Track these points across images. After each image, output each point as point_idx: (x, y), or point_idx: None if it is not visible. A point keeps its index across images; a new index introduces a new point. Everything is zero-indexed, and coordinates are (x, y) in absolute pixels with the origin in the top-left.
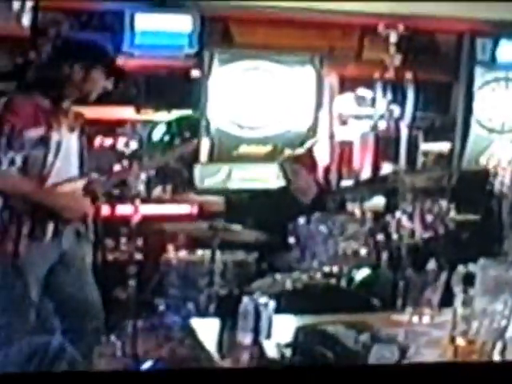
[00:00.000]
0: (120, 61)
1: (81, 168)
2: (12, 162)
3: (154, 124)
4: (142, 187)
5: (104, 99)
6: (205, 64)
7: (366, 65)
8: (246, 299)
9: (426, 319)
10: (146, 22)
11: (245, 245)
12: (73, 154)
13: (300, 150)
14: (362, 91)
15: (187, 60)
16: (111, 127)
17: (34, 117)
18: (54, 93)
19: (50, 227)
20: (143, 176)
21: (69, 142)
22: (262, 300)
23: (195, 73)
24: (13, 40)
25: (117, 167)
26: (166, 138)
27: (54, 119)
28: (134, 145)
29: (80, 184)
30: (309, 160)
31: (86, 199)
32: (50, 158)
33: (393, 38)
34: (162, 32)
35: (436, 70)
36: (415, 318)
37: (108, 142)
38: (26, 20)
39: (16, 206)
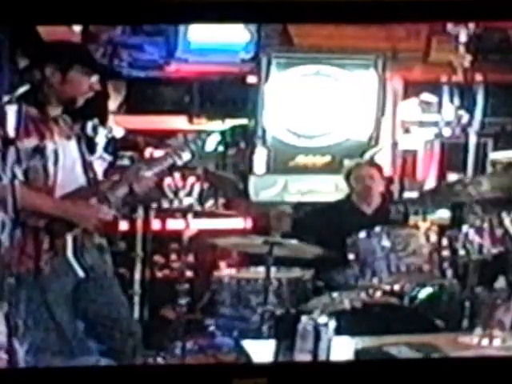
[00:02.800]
0: (173, 66)
1: (86, 176)
2: (13, 176)
3: (207, 134)
4: (193, 200)
5: (154, 108)
6: (262, 69)
7: (432, 67)
8: (304, 319)
9: (496, 342)
10: (201, 26)
11: (301, 261)
12: (75, 162)
13: (361, 161)
14: (428, 96)
15: (243, 65)
16: (162, 138)
17: (25, 126)
18: (39, 100)
19: (69, 240)
20: (196, 188)
21: (66, 150)
22: (322, 320)
23: (251, 79)
24: None
25: (168, 180)
26: (220, 148)
27: (45, 128)
28: (186, 156)
29: (91, 192)
30: (375, 169)
31: (101, 206)
32: (51, 167)
33: (462, 37)
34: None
35: (508, 71)
36: (485, 341)
37: (158, 153)
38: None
39: (29, 220)
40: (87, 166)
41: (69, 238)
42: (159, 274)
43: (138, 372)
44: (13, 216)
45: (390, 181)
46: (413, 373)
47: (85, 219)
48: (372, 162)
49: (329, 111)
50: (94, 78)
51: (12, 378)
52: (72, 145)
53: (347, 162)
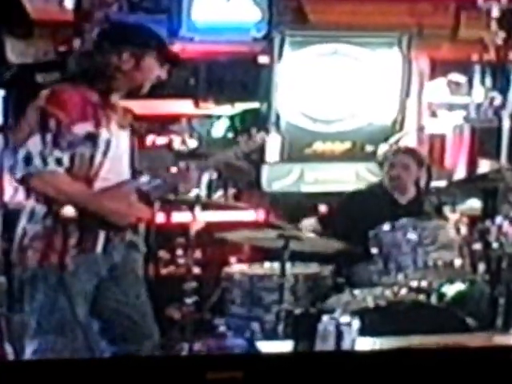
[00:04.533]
0: (177, 46)
1: (132, 169)
2: (58, 162)
3: (215, 119)
4: (200, 191)
5: (157, 92)
6: (274, 49)
7: (461, 45)
8: (325, 318)
9: None
10: (207, 3)
11: (319, 256)
12: (123, 153)
13: (384, 147)
14: (457, 76)
15: (254, 44)
16: (165, 124)
17: (82, 111)
18: (102, 85)
19: (101, 237)
20: (204, 178)
21: (119, 140)
22: (344, 319)
23: (263, 59)
24: (55, 25)
25: (173, 169)
26: (229, 135)
27: (103, 115)
28: (192, 143)
29: (133, 187)
30: (419, 154)
31: (140, 205)
32: (99, 157)
33: (494, 11)
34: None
35: None
36: None
37: (162, 140)
38: (68, 2)
39: (60, 211)
40: (134, 160)
41: (101, 235)
42: (164, 271)
43: (110, 363)
44: (45, 205)
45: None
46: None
47: (123, 216)
48: (407, 148)
49: (348, 94)
50: (166, 67)
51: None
52: (124, 135)
53: (369, 149)
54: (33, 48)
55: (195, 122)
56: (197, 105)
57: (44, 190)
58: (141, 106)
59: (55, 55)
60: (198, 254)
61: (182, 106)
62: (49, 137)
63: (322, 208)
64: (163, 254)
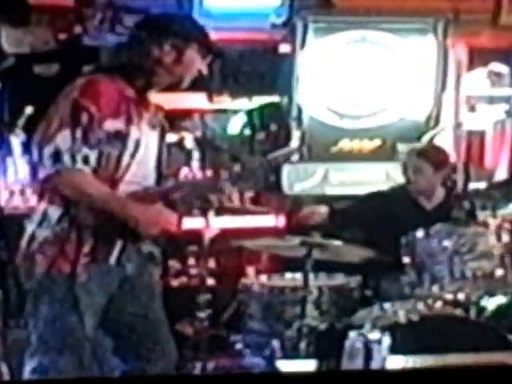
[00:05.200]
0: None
1: (158, 174)
2: (85, 161)
3: (230, 114)
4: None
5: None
6: (296, 36)
7: (503, 31)
8: (352, 335)
9: None
10: None
11: (346, 265)
12: (151, 156)
13: (418, 145)
14: (498, 66)
15: (274, 32)
16: (175, 120)
17: (115, 106)
18: (140, 79)
19: (117, 247)
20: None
21: (148, 141)
22: (373, 336)
23: (284, 48)
24: (54, 10)
25: (184, 170)
26: (247, 132)
27: (135, 112)
28: (206, 141)
29: (159, 194)
30: (437, 155)
31: (167, 213)
32: (126, 158)
33: None
34: None
35: None
36: None
37: (172, 138)
38: None
39: (79, 216)
40: (162, 163)
41: (117, 245)
42: (175, 282)
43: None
44: (60, 207)
45: (452, 169)
46: None
47: (145, 224)
48: (435, 148)
49: (378, 86)
50: (207, 60)
51: None
52: (153, 136)
53: (402, 148)
54: (30, 36)
55: (209, 117)
56: (210, 99)
57: (66, 190)
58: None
59: (55, 44)
60: (211, 263)
61: (194, 100)
62: (79, 132)
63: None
64: (174, 263)
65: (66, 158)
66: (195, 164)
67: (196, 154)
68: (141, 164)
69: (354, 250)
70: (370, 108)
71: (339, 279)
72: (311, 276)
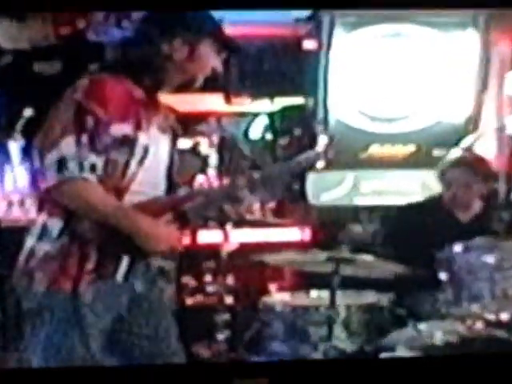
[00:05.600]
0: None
1: (169, 182)
2: (92, 169)
3: (250, 117)
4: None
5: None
6: (322, 31)
7: None
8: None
9: None
10: None
11: (376, 282)
12: (161, 163)
13: (457, 150)
14: None
15: (297, 26)
16: (190, 123)
17: (122, 109)
18: (149, 78)
19: (124, 262)
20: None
21: (158, 146)
22: None
23: (308, 44)
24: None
25: (200, 178)
26: (268, 137)
27: (144, 114)
28: (223, 147)
29: (169, 204)
30: (477, 163)
31: (176, 226)
32: (133, 166)
33: None
34: None
35: None
36: None
37: (186, 143)
38: None
39: (82, 229)
40: (173, 172)
41: (124, 260)
42: (190, 301)
43: (139, 371)
44: (61, 220)
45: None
46: None
47: (153, 240)
48: (475, 154)
49: (413, 86)
50: (222, 56)
51: None
52: (164, 141)
53: (439, 153)
54: (28, 30)
55: (226, 121)
56: (228, 100)
57: (70, 201)
58: None
59: (56, 39)
60: (230, 280)
61: (210, 102)
62: (85, 137)
63: (379, 224)
64: (189, 280)
65: (73, 166)
66: (211, 171)
67: (212, 161)
68: (149, 172)
69: (386, 266)
70: (404, 110)
71: (369, 297)
72: (339, 294)
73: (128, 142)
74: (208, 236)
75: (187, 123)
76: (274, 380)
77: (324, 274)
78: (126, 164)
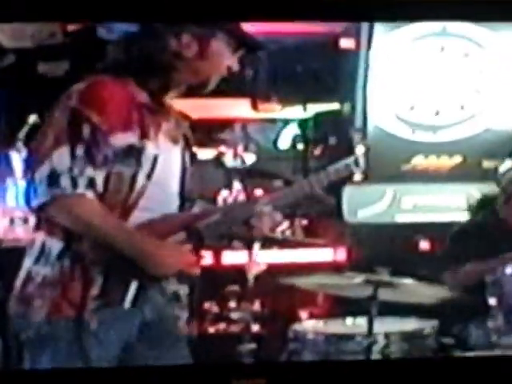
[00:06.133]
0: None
1: (181, 198)
2: (90, 184)
3: (279, 125)
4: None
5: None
6: (362, 29)
7: None
8: None
9: None
10: None
11: (419, 308)
12: (172, 176)
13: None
14: None
15: (334, 23)
16: (213, 131)
17: (125, 115)
18: (155, 80)
19: (133, 286)
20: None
21: (168, 158)
22: None
23: (346, 42)
24: None
25: (224, 193)
26: (299, 146)
27: (152, 121)
28: (248, 157)
29: (181, 223)
30: None
31: (190, 246)
32: (141, 179)
33: None
34: None
35: None
36: None
37: (208, 153)
38: None
39: (84, 250)
40: (186, 186)
41: (133, 284)
42: (212, 329)
43: (136, 372)
44: (61, 240)
45: None
46: None
47: (163, 260)
48: None
49: (460, 90)
50: (239, 54)
51: None
52: (175, 152)
53: (487, 164)
54: (32, 27)
55: (253, 128)
56: (255, 106)
57: (65, 220)
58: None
59: (63, 37)
60: (257, 306)
61: (236, 108)
62: (80, 149)
63: (423, 244)
64: (211, 306)
65: (65, 181)
66: (236, 185)
67: (237, 174)
68: (159, 186)
69: (429, 290)
70: (450, 117)
71: (411, 324)
72: (377, 321)
73: (134, 153)
74: (232, 257)
75: (208, 131)
76: (271, 381)
77: (361, 298)
78: (133, 177)
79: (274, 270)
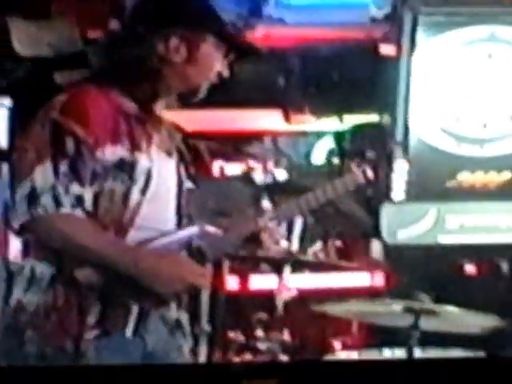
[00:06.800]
0: (260, 31)
1: (179, 214)
2: (78, 202)
3: (313, 138)
4: (290, 244)
5: (228, 97)
6: (403, 34)
7: None
8: None
9: None
10: None
11: (464, 338)
12: (168, 191)
13: None
14: None
15: (373, 28)
16: (240, 144)
17: (112, 126)
18: (142, 88)
19: (133, 313)
20: (296, 224)
21: (162, 171)
22: None
23: (386, 49)
24: None
25: (250, 211)
26: (335, 162)
27: (142, 133)
28: (278, 173)
29: (181, 240)
30: None
31: (192, 266)
32: (135, 196)
33: None
34: None
35: None
36: None
37: (234, 169)
38: None
39: (78, 274)
40: (183, 199)
41: (133, 311)
42: (237, 360)
43: (144, 371)
44: (52, 265)
45: None
46: None
47: (168, 282)
48: None
49: (510, 100)
50: (229, 58)
51: None
52: (171, 165)
53: None
54: (50, 34)
55: (284, 142)
56: (287, 117)
57: (54, 240)
58: (203, 119)
59: (83, 44)
60: (286, 335)
61: (266, 119)
62: (64, 165)
63: (470, 268)
64: (236, 335)
65: (46, 200)
66: (266, 204)
67: (267, 191)
68: (155, 203)
69: (475, 318)
70: (499, 129)
71: (455, 356)
72: (418, 352)
73: (126, 167)
74: (259, 281)
75: (235, 144)
76: (284, 381)
77: (400, 328)
78: (127, 194)
79: (304, 296)
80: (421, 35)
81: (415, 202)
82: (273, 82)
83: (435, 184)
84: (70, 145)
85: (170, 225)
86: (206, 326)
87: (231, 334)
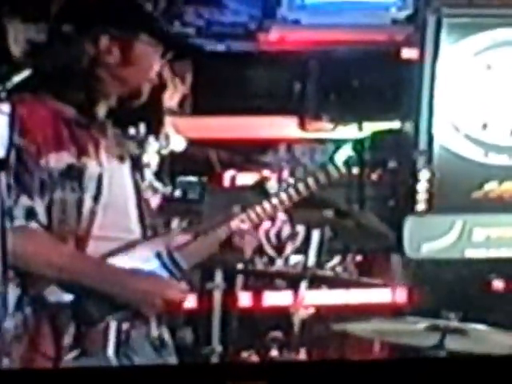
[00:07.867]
0: (274, 33)
1: (142, 223)
2: (29, 214)
3: (331, 146)
4: (307, 258)
5: (240, 103)
6: (426, 37)
7: None
8: None
9: None
10: None
11: (493, 359)
12: (126, 198)
13: None
14: None
15: (394, 30)
16: (253, 153)
17: (53, 133)
18: (76, 93)
19: (112, 329)
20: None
21: (117, 177)
22: None
23: (408, 53)
24: None
25: (265, 224)
26: (354, 171)
27: (87, 138)
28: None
29: (151, 249)
30: None
31: (164, 277)
32: (88, 203)
33: None
34: None
35: None
36: None
37: (247, 178)
38: None
39: (46, 293)
40: (144, 207)
41: (112, 327)
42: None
43: (130, 371)
44: (16, 286)
45: None
46: None
47: (139, 297)
48: None
49: None
50: (167, 58)
51: None
52: (125, 170)
53: None
54: None
55: (300, 150)
56: (303, 125)
57: (11, 260)
58: (214, 126)
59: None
60: (302, 354)
61: (281, 127)
62: (8, 176)
63: (498, 284)
64: (249, 355)
65: None
66: (280, 216)
67: (281, 200)
68: (111, 210)
69: (504, 338)
70: None
71: None
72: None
73: (75, 174)
74: (274, 297)
75: (248, 153)
76: (272, 383)
77: (424, 347)
78: (79, 202)
79: (322, 314)
80: (445, 38)
81: (440, 214)
82: (288, 87)
83: (461, 195)
84: (13, 156)
85: (135, 235)
86: (218, 347)
87: (245, 355)
